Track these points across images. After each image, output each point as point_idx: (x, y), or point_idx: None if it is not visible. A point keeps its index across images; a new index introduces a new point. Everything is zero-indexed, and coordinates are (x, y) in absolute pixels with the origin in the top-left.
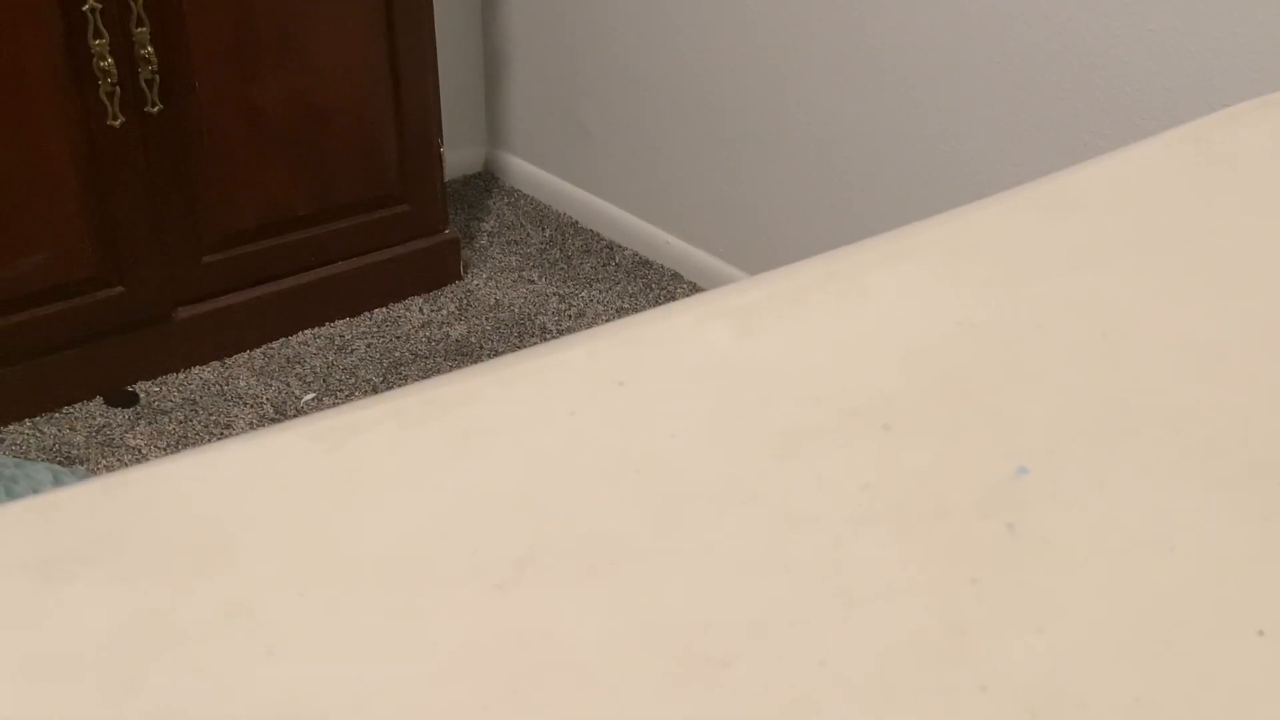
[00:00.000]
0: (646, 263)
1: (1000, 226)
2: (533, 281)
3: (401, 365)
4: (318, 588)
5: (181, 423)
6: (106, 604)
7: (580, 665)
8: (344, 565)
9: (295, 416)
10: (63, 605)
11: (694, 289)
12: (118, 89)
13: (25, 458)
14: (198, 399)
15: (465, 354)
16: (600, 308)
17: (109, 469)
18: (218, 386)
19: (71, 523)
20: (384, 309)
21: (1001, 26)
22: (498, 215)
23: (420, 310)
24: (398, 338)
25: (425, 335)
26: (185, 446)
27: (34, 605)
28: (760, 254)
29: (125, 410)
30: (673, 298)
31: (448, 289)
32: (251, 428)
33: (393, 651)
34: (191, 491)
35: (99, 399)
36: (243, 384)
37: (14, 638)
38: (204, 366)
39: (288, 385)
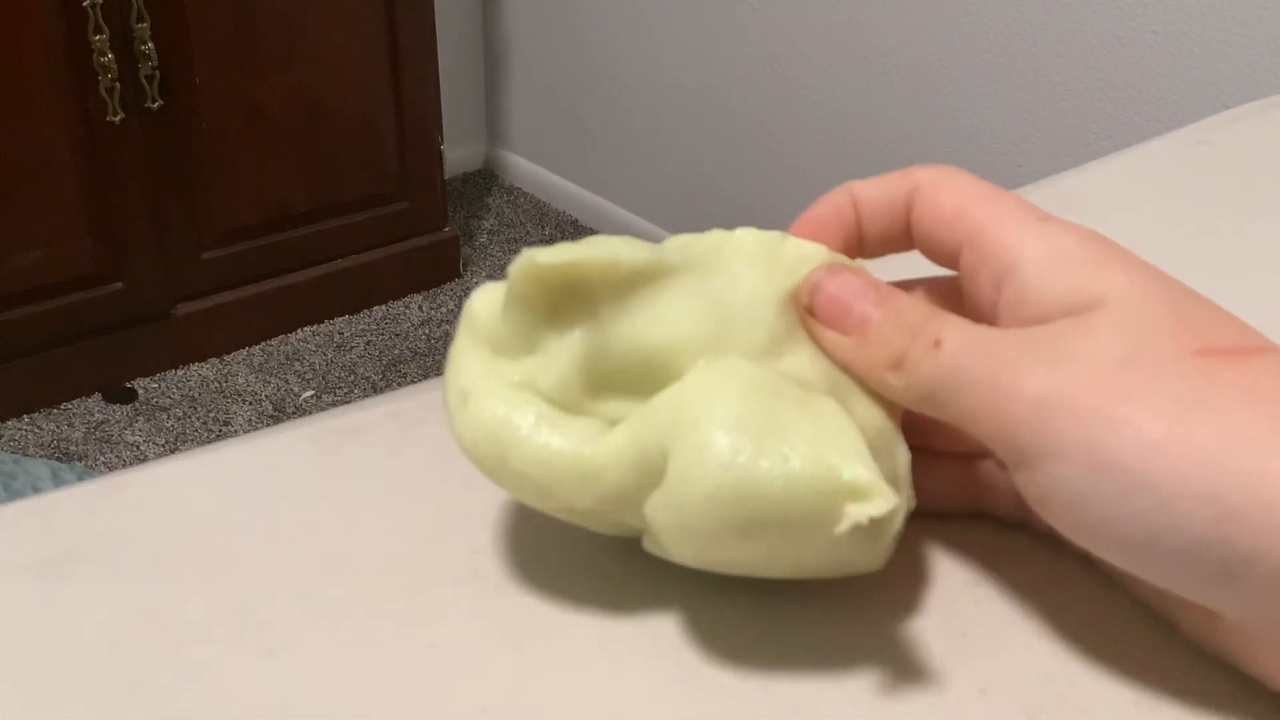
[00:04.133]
0: None
1: None
2: None
3: (400, 363)
4: (317, 589)
5: (180, 419)
6: (105, 605)
7: (580, 666)
8: (343, 567)
9: (294, 413)
10: (62, 606)
11: None
12: (118, 85)
13: (23, 454)
14: (196, 396)
15: None
16: None
17: (107, 465)
18: (216, 383)
19: (71, 524)
20: (383, 306)
21: (1004, 27)
22: (497, 213)
23: (419, 308)
24: (397, 335)
25: (424, 333)
26: (183, 443)
27: (33, 606)
28: None
29: (124, 407)
30: None
31: (447, 287)
32: (250, 424)
33: (392, 653)
34: (191, 493)
35: (97, 395)
36: (241, 381)
37: (13, 638)
38: (203, 363)
39: (286, 382)
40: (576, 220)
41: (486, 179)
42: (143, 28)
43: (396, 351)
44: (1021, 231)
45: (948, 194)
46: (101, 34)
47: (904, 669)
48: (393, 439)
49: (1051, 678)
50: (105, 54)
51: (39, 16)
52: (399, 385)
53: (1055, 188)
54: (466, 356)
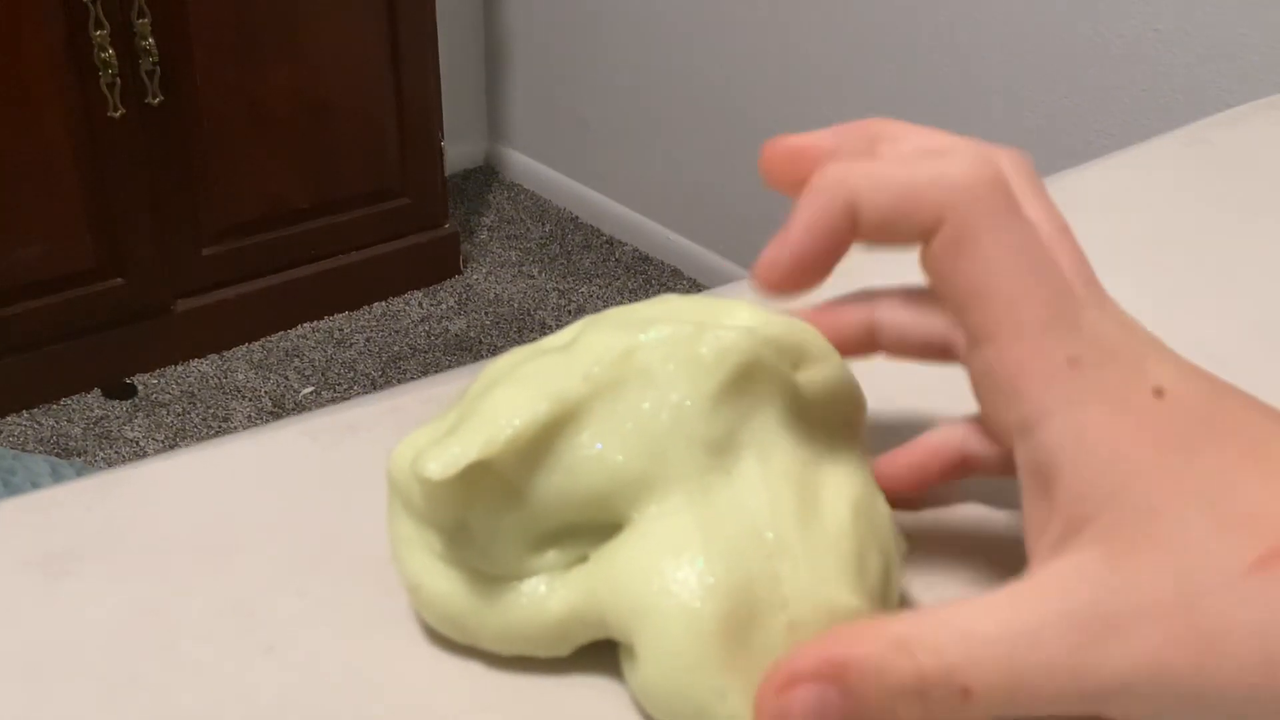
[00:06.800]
0: (646, 259)
1: None
2: (532, 276)
3: (400, 359)
4: (316, 586)
5: (179, 415)
6: (104, 601)
7: (580, 665)
8: (342, 563)
9: (293, 410)
10: (61, 602)
11: (694, 286)
12: (118, 80)
13: (23, 449)
14: (196, 392)
15: (464, 349)
16: (600, 303)
17: (107, 461)
18: (216, 379)
19: (70, 520)
20: (383, 303)
21: (1005, 26)
22: (497, 210)
23: (419, 304)
24: (397, 332)
25: (424, 329)
26: (183, 439)
27: (32, 602)
28: (761, 252)
29: (123, 402)
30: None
31: (447, 283)
32: (250, 421)
33: (390, 649)
34: (190, 489)
35: (97, 391)
36: (241, 377)
37: (12, 634)
38: (202, 359)
39: (286, 378)
40: (577, 217)
41: (487, 175)
42: (143, 23)
43: (396, 348)
44: (1049, 383)
45: (969, 258)
46: (102, 29)
47: None
48: (391, 435)
49: None
50: (106, 49)
51: (39, 12)
52: (399, 382)
53: (1056, 186)
54: (400, 523)
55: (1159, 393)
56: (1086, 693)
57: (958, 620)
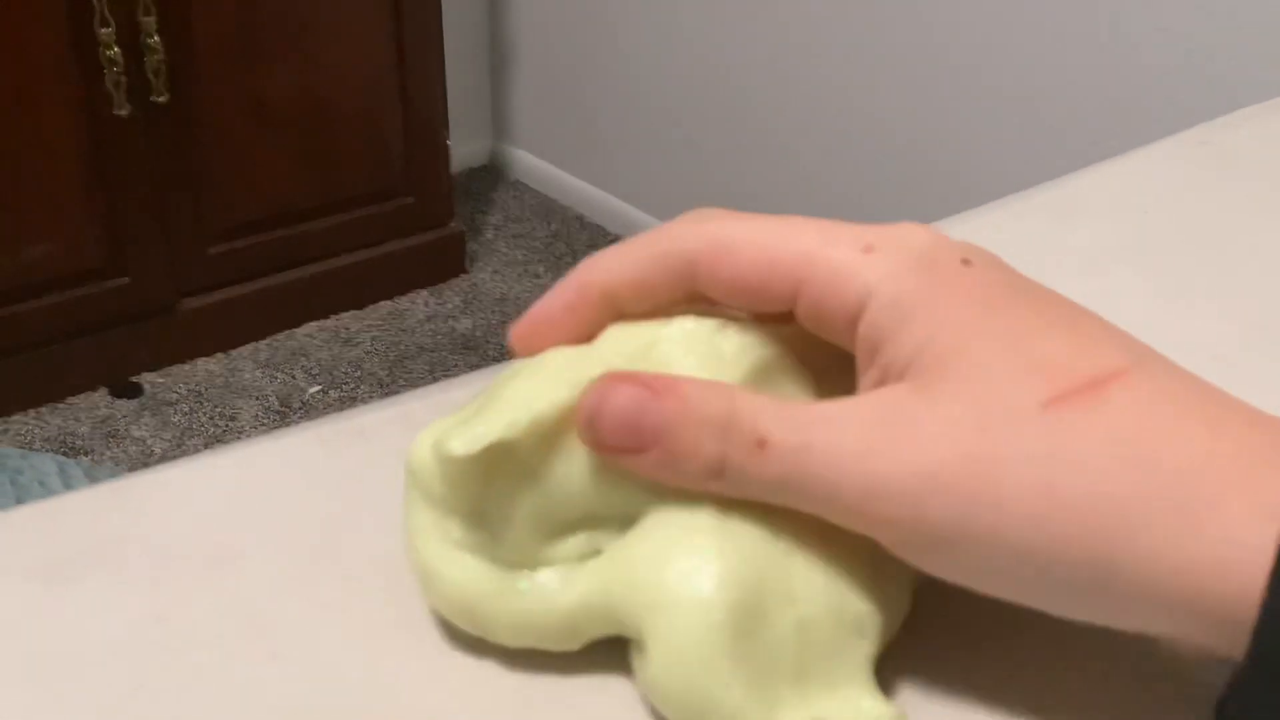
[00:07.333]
0: None
1: (1006, 230)
2: (538, 275)
3: (407, 358)
4: (323, 594)
5: (186, 414)
6: (111, 608)
7: (590, 667)
8: (349, 569)
9: (300, 409)
10: (68, 609)
11: None
12: (124, 78)
13: (30, 448)
14: (202, 390)
15: (470, 348)
16: None
17: (113, 460)
18: (222, 378)
19: (77, 526)
20: (389, 302)
21: (1009, 28)
22: (503, 209)
23: (425, 303)
24: (403, 331)
25: (430, 328)
26: (189, 438)
27: (39, 609)
28: None
29: (130, 401)
30: None
31: (453, 282)
32: (256, 419)
33: (398, 656)
34: (197, 496)
35: (104, 390)
36: (247, 376)
37: (20, 641)
38: (209, 358)
39: (293, 377)
40: (583, 216)
41: (492, 174)
42: (149, 21)
43: (403, 347)
44: (857, 271)
45: (745, 252)
46: (108, 27)
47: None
48: (401, 441)
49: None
50: (111, 47)
51: (45, 9)
52: (405, 380)
53: (1061, 190)
54: (416, 514)
55: (966, 262)
56: (871, 482)
57: (780, 401)
